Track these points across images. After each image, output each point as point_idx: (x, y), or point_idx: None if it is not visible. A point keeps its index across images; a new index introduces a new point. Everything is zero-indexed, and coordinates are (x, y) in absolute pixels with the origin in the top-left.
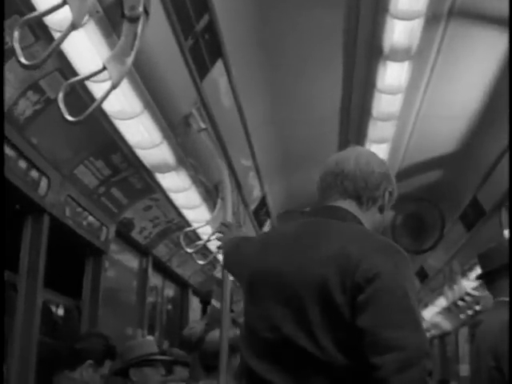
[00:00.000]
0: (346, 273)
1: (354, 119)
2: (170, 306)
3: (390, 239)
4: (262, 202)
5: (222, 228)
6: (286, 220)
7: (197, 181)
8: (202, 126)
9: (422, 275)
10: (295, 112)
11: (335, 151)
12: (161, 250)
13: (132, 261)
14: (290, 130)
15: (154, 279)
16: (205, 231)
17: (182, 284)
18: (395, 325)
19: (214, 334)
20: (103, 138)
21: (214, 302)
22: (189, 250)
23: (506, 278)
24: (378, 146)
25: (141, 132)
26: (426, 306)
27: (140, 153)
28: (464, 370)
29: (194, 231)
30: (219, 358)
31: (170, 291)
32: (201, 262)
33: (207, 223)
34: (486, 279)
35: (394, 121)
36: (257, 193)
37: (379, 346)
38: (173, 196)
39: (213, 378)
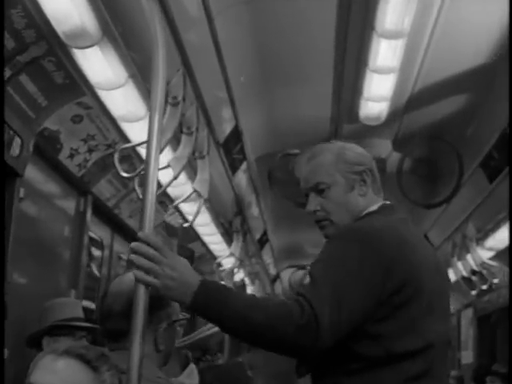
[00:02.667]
0: None
1: (355, 33)
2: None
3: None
4: (236, 137)
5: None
6: (266, 165)
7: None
8: None
9: None
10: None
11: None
12: (104, 191)
13: (64, 199)
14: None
15: (99, 231)
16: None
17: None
18: None
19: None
20: None
21: None
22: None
23: None
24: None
25: None
26: None
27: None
28: (467, 356)
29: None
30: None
31: (121, 249)
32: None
33: (169, 164)
34: None
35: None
36: (229, 126)
37: None
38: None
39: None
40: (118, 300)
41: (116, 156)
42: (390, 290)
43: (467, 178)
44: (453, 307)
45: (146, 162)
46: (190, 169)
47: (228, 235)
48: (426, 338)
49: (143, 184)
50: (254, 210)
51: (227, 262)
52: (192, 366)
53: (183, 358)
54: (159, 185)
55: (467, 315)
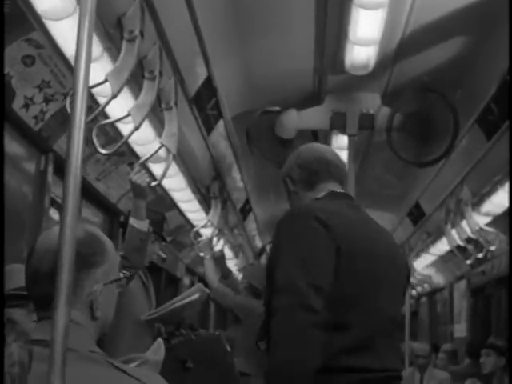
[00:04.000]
0: None
1: None
2: None
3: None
4: (209, 91)
5: None
6: (245, 124)
7: None
8: None
9: (417, 214)
10: None
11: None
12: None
13: (22, 156)
14: None
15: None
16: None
17: (106, 209)
18: None
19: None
20: None
21: None
22: (102, 151)
23: None
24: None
25: None
26: (417, 255)
27: None
28: (460, 330)
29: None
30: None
31: (91, 216)
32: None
33: (129, 113)
34: None
35: None
36: (200, 77)
37: None
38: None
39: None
40: (45, 259)
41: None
42: (335, 250)
43: (462, 135)
44: (444, 280)
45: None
46: (158, 124)
47: (206, 203)
48: (362, 313)
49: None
50: (235, 176)
51: (207, 233)
52: (159, 340)
53: (156, 332)
54: (120, 136)
55: (460, 288)
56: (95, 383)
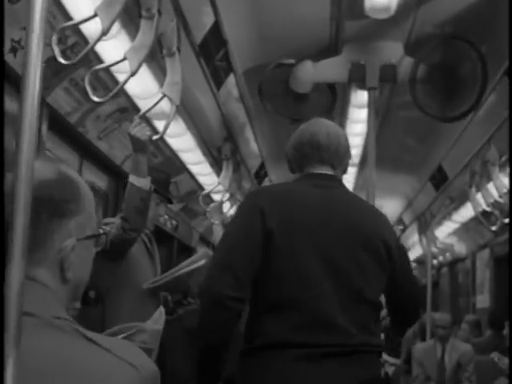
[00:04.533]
0: None
1: None
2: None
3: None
4: (216, 39)
5: None
6: (255, 78)
7: None
8: None
9: (440, 178)
10: None
11: None
12: (62, 103)
13: (11, 107)
14: None
15: (62, 153)
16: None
17: (111, 171)
18: None
19: None
20: None
21: None
22: (95, 98)
23: None
24: None
25: None
26: (439, 223)
27: None
28: (482, 300)
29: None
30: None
31: (95, 179)
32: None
33: (125, 56)
34: None
35: None
36: (207, 21)
37: None
38: None
39: None
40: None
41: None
42: (264, 234)
43: (490, 89)
44: (467, 249)
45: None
46: (162, 75)
47: (218, 165)
48: (305, 289)
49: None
50: (248, 137)
51: (218, 198)
52: (161, 309)
53: (162, 301)
54: (115, 82)
55: (483, 257)
56: (56, 353)
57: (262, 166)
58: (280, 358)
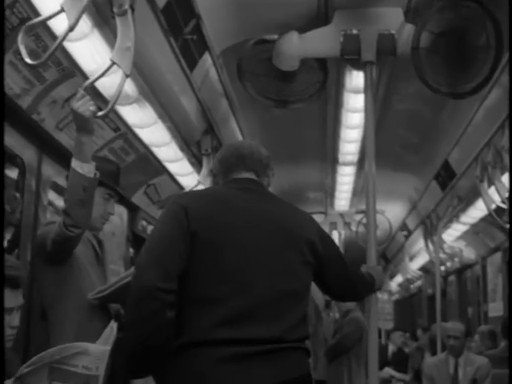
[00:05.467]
0: None
1: None
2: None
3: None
4: (185, 8)
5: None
6: (235, 59)
7: None
8: None
9: (446, 175)
10: None
11: None
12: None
13: None
14: None
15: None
16: None
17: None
18: None
19: None
20: None
21: None
22: (29, 60)
23: None
24: None
25: None
26: (446, 226)
27: None
28: (495, 309)
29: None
30: None
31: (55, 177)
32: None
33: (62, 8)
34: None
35: None
36: None
37: None
38: None
39: None
40: None
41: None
42: (187, 233)
43: (505, 62)
44: (476, 254)
45: None
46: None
47: (199, 163)
48: (230, 287)
49: None
50: (232, 129)
51: None
52: (111, 324)
53: (113, 315)
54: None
55: (494, 262)
56: None
57: None
58: (200, 359)
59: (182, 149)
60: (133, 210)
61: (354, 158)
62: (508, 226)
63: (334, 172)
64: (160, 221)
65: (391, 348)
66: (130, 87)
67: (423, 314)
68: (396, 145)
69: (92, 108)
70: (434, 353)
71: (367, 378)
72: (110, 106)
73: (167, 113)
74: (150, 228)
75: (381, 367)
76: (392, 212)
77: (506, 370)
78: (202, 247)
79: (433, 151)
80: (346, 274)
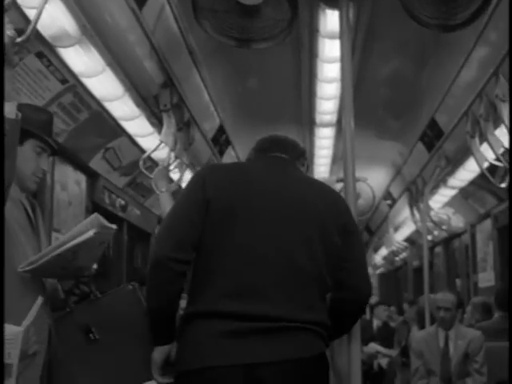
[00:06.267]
0: None
1: None
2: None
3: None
4: None
5: None
6: None
7: None
8: None
9: (433, 135)
10: None
11: None
12: None
13: None
14: None
15: None
16: None
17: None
18: None
19: None
20: None
21: None
22: None
23: None
24: None
25: None
26: (432, 192)
27: None
28: (485, 279)
29: None
30: None
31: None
32: None
33: None
34: None
35: None
36: None
37: None
38: None
39: None
40: None
41: None
42: (203, 203)
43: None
44: (464, 222)
45: None
46: None
47: (160, 122)
48: (242, 260)
49: None
50: (196, 83)
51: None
52: (38, 301)
53: (50, 291)
54: None
55: (484, 229)
56: None
57: (220, 129)
58: (201, 330)
59: (138, 104)
60: (92, 176)
61: (333, 117)
62: (502, 185)
63: (311, 135)
64: (181, 191)
65: (376, 323)
66: (70, 25)
67: (409, 288)
68: (378, 103)
69: (9, 32)
70: (422, 326)
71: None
72: (31, 26)
73: (116, 59)
74: (112, 197)
75: (366, 342)
76: (375, 180)
77: (501, 343)
78: (215, 216)
79: (418, 109)
80: (361, 278)
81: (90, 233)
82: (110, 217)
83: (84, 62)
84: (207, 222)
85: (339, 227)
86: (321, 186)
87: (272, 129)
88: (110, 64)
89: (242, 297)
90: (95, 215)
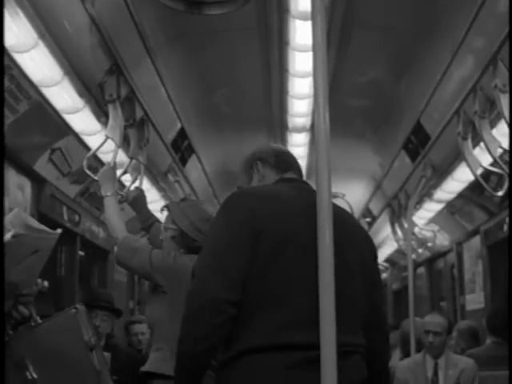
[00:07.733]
0: None
1: None
2: None
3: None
4: None
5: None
6: None
7: None
8: None
9: (418, 141)
10: None
11: None
12: None
13: None
14: None
15: None
16: None
17: None
18: None
19: None
20: None
21: None
22: None
23: None
24: None
25: None
26: (416, 207)
27: None
28: (474, 300)
29: None
30: None
31: None
32: None
33: None
34: None
35: None
36: None
37: None
38: None
39: None
40: None
41: None
42: (253, 236)
43: None
44: (450, 240)
45: None
46: None
47: (106, 116)
48: (287, 287)
49: None
50: (147, 69)
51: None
52: None
53: None
54: None
55: (472, 247)
56: None
57: (182, 133)
58: (265, 365)
59: (81, 94)
60: (37, 182)
61: (307, 121)
62: (498, 193)
63: (283, 141)
64: (220, 224)
65: None
66: None
67: (389, 312)
68: (352, 110)
69: None
70: (406, 354)
71: None
72: None
73: (50, 30)
74: (62, 207)
75: None
76: (353, 195)
77: (496, 372)
78: (266, 248)
79: (401, 113)
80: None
81: (8, 236)
82: (64, 233)
83: (13, 32)
84: (257, 255)
85: (372, 256)
86: (349, 215)
87: (239, 134)
88: (42, 36)
89: (300, 326)
90: (16, 211)
